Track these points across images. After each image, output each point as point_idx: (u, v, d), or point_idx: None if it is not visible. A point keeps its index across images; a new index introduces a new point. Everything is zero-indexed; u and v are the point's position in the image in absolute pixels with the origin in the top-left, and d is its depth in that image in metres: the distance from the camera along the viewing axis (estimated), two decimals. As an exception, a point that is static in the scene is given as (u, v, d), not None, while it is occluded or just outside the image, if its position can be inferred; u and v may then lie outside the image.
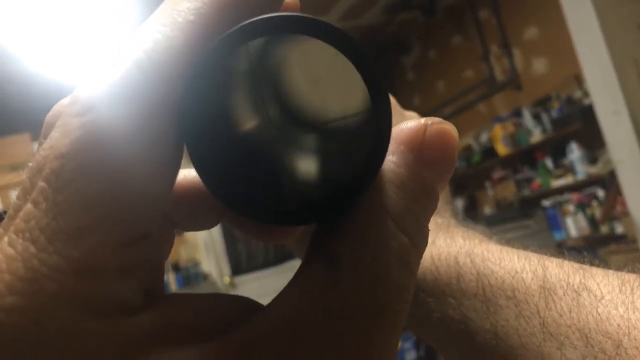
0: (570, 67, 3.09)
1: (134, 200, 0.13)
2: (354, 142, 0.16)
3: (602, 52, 1.96)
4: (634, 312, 0.22)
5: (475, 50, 4.00)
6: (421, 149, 0.15)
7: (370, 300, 0.13)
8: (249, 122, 0.18)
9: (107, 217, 0.12)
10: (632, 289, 0.23)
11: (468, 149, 4.26)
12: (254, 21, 0.13)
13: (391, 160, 0.15)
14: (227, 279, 3.89)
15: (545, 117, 3.52)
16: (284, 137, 0.19)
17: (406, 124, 0.15)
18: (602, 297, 0.23)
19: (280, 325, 0.13)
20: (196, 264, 4.02)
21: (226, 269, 3.99)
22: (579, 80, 3.22)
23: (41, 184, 0.13)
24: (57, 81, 2.92)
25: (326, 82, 0.17)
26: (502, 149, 3.84)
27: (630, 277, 0.24)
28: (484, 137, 4.12)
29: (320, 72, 0.17)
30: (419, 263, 0.15)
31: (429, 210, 0.15)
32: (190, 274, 3.93)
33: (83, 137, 0.13)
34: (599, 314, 0.22)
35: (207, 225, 0.19)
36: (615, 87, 1.95)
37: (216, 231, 3.85)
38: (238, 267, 4.00)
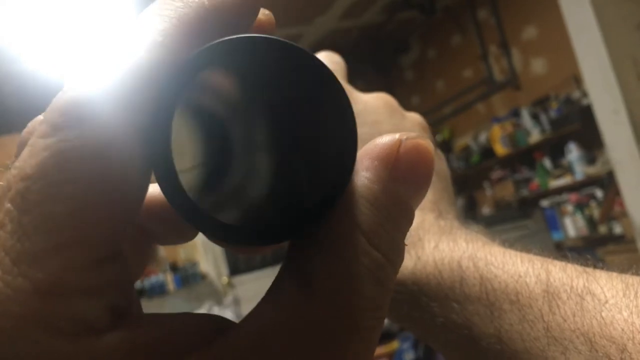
0: (569, 67, 3.10)
1: (101, 222, 0.13)
2: (321, 160, 0.16)
3: (601, 52, 1.96)
4: (638, 316, 0.22)
5: (474, 50, 4.01)
6: (395, 165, 0.15)
7: (342, 317, 0.13)
8: (213, 142, 0.18)
9: (72, 239, 0.12)
10: (636, 293, 0.23)
11: (467, 149, 4.27)
12: (217, 43, 0.14)
13: (365, 176, 0.15)
14: (225, 279, 3.88)
15: (543, 117, 3.53)
16: (249, 157, 0.18)
17: (381, 139, 0.15)
18: (606, 301, 0.23)
19: (254, 340, 0.13)
20: (194, 264, 4.02)
21: (224, 269, 3.99)
22: (577, 80, 3.23)
23: (7, 205, 0.12)
24: (55, 80, 2.91)
25: (293, 103, 0.17)
26: (500, 149, 3.85)
27: (634, 281, 0.24)
28: (482, 137, 4.12)
29: (287, 93, 0.17)
30: (394, 279, 0.15)
31: (404, 226, 0.15)
32: (189, 274, 3.93)
33: (49, 158, 0.12)
34: (603, 318, 0.22)
35: (185, 239, 0.20)
36: (614, 87, 1.95)
37: (214, 231, 3.85)
38: (236, 267, 4.00)
